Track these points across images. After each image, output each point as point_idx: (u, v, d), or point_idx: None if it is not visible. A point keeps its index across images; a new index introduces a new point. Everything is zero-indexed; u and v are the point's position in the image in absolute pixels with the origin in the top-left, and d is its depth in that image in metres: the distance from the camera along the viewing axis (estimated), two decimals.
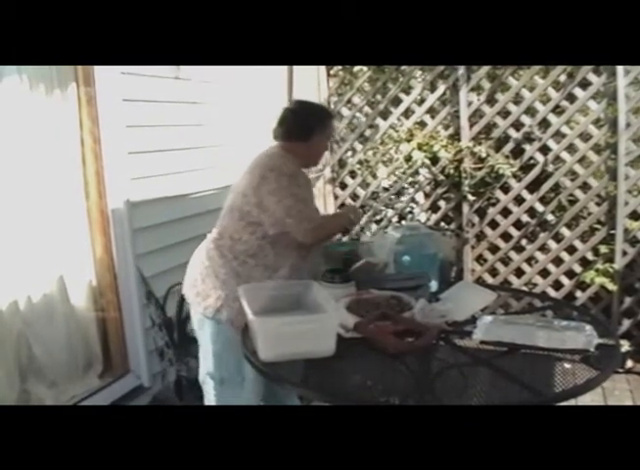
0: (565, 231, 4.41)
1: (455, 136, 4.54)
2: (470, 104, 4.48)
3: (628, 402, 3.84)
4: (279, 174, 2.52)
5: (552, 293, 4.47)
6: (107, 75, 3.31)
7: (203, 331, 2.68)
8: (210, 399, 2.75)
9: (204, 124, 4.14)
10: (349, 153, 4.92)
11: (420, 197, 4.88)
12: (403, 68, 4.62)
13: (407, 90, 4.68)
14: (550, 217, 4.46)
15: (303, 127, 2.67)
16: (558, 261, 4.47)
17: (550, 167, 4.41)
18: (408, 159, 4.60)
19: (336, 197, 4.99)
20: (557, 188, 4.44)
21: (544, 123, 4.38)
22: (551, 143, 4.34)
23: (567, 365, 1.97)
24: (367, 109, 4.85)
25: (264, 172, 2.54)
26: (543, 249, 4.52)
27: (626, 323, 4.32)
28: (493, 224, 4.58)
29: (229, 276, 2.57)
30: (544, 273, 4.52)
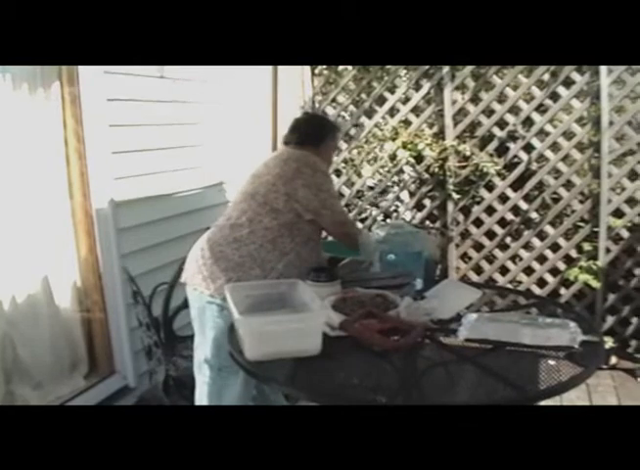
0: (549, 229, 4.44)
1: (440, 135, 4.56)
2: (454, 102, 4.50)
3: (612, 399, 3.87)
4: (315, 170, 2.67)
5: (536, 290, 4.49)
6: (91, 75, 3.29)
7: (203, 318, 2.69)
8: (204, 388, 2.75)
9: (188, 123, 4.13)
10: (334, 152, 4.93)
11: (405, 195, 4.89)
12: (388, 66, 4.63)
13: (392, 89, 4.69)
14: (534, 215, 4.49)
15: (315, 134, 2.88)
16: (542, 259, 4.50)
17: (534, 166, 4.44)
18: (393, 157, 4.62)
19: None
20: (541, 186, 4.47)
21: (528, 122, 4.41)
22: (535, 141, 4.37)
23: (551, 362, 1.97)
24: (352, 107, 4.86)
25: (300, 167, 2.66)
26: (527, 247, 4.55)
27: (610, 320, 4.36)
28: (478, 222, 4.61)
29: (244, 259, 2.60)
30: (528, 271, 4.55)
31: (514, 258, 4.62)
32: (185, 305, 2.89)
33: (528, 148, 4.40)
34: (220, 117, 4.44)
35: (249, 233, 2.63)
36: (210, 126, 4.35)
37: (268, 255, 2.62)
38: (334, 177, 4.90)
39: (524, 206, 4.46)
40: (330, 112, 4.83)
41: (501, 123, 4.45)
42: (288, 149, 2.86)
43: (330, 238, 3.00)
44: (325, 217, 2.67)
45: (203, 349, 2.75)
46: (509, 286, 4.55)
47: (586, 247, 4.32)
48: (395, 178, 4.83)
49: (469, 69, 4.41)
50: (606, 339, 4.15)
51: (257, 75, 4.59)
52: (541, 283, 4.54)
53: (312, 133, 2.88)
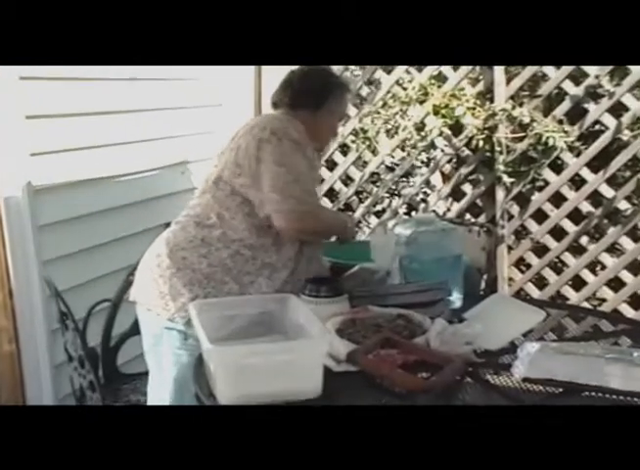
0: None
1: (486, 95, 4.59)
2: None
3: None
4: (280, 139, 2.66)
5: (628, 312, 4.47)
6: None
7: (159, 349, 2.74)
8: None
9: (139, 78, 4.15)
10: None
11: (437, 179, 4.93)
12: None
13: None
14: (624, 206, 4.47)
15: (313, 93, 2.90)
16: (636, 268, 4.47)
17: (625, 135, 4.42)
18: (421, 127, 4.65)
19: (322, 180, 5.03)
20: (635, 164, 4.47)
21: (618, 72, 4.37)
22: (628, 99, 4.31)
23: None
24: None
25: (265, 135, 2.67)
26: (613, 250, 4.57)
27: None
28: (540, 216, 4.62)
29: (215, 269, 2.64)
30: (616, 284, 4.53)
31: (593, 265, 4.63)
32: (134, 331, 2.91)
33: (618, 109, 4.36)
34: (184, 68, 4.45)
35: (221, 234, 2.67)
36: (170, 82, 4.38)
37: (247, 265, 2.66)
38: (339, 155, 4.93)
39: (608, 192, 4.44)
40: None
41: (577, 75, 4.43)
42: (263, 114, 2.88)
43: (334, 238, 3.04)
44: (273, 205, 2.61)
45: (159, 392, 2.78)
46: (586, 305, 4.56)
47: None
48: (424, 156, 4.86)
49: None
50: None
51: None
52: (636, 302, 4.51)
53: (309, 92, 2.90)
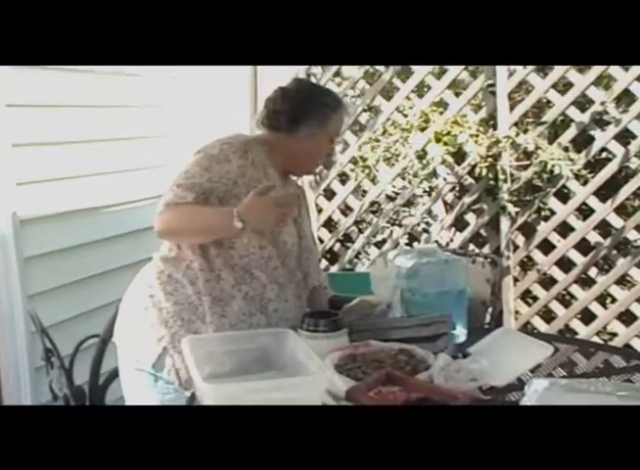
0: None
1: (490, 121, 4.61)
2: (512, 73, 4.53)
3: None
4: (199, 152, 2.63)
5: None
6: None
7: (134, 393, 2.71)
8: None
9: (133, 105, 4.17)
10: (338, 147, 4.96)
11: (439, 208, 4.93)
12: None
13: None
14: (633, 236, 4.48)
15: (289, 113, 2.70)
16: None
17: (634, 163, 4.44)
18: (422, 155, 4.65)
19: (319, 210, 5.05)
20: None
21: (626, 97, 4.39)
22: (635, 126, 4.33)
23: None
24: (363, 83, 4.90)
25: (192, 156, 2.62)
26: (624, 282, 4.56)
27: None
28: (546, 247, 4.63)
29: (181, 308, 2.58)
30: (627, 318, 4.52)
31: (603, 298, 4.62)
32: None
33: (625, 136, 4.38)
34: (183, 95, 4.49)
35: (185, 268, 2.62)
36: (167, 107, 4.41)
37: (214, 304, 2.59)
38: (337, 184, 4.93)
39: (616, 222, 4.45)
40: (333, 89, 4.87)
41: (582, 102, 4.46)
42: None
43: (332, 270, 3.03)
44: None
45: None
46: (596, 340, 4.55)
47: None
48: (425, 184, 4.87)
49: None
50: None
51: None
52: None
53: (282, 114, 2.71)
